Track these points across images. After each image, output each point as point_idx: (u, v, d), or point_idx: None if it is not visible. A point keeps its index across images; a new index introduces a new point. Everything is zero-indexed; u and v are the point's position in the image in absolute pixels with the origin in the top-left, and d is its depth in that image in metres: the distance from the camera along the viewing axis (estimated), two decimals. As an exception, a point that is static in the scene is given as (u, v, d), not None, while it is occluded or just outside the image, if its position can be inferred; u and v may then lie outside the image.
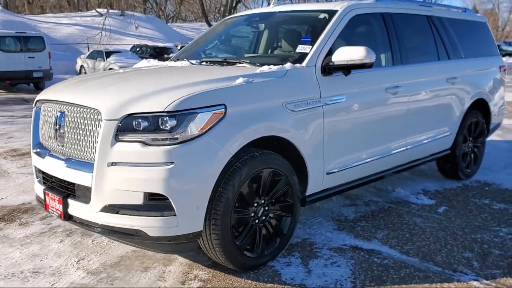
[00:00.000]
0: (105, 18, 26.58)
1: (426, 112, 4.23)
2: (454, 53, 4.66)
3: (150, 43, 24.35)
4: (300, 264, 3.10)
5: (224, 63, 3.59)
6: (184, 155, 2.54)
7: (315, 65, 3.26)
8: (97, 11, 32.03)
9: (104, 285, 2.83)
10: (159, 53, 20.52)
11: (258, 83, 2.93)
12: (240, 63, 3.49)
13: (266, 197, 2.98)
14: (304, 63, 3.24)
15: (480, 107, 5.09)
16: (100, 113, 2.63)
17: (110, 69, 17.18)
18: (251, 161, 2.82)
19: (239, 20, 4.41)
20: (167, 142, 2.54)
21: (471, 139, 5.01)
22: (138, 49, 23.00)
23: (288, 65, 3.18)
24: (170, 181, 2.52)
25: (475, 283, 2.86)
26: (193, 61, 3.77)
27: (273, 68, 3.13)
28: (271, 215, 3.05)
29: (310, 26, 3.74)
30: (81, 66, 20.86)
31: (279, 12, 4.12)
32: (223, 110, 2.67)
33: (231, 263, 2.85)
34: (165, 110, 2.53)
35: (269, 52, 4.03)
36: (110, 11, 32.30)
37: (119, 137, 2.58)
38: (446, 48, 4.56)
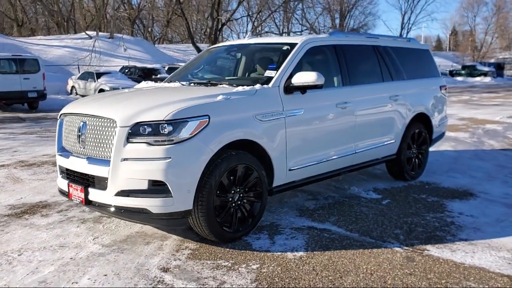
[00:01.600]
0: (95, 41, 27.57)
1: (372, 123, 5.22)
2: (397, 75, 5.69)
3: (138, 65, 25.33)
4: (267, 238, 4.02)
5: (209, 84, 4.56)
6: (178, 152, 3.48)
7: (279, 86, 4.24)
8: (86, 34, 33.01)
9: (116, 253, 3.71)
10: (148, 74, 21.47)
11: (234, 99, 3.89)
12: (221, 84, 4.46)
13: (240, 186, 3.91)
14: (270, 85, 4.22)
15: (422, 120, 6.12)
16: (116, 122, 3.56)
17: (101, 89, 18.08)
18: (229, 158, 3.76)
19: (221, 49, 5.41)
20: (166, 142, 3.47)
21: (415, 146, 6.02)
22: (127, 70, 23.93)
23: (258, 86, 4.15)
24: (168, 171, 3.44)
25: (397, 249, 3.80)
26: (183, 83, 4.74)
27: (246, 88, 4.10)
28: (245, 200, 3.97)
29: (276, 55, 4.73)
30: (72, 87, 21.71)
31: (253, 44, 5.13)
32: (207, 119, 3.62)
33: (213, 235, 3.77)
34: (164, 119, 3.47)
35: (245, 76, 5.02)
36: (100, 33, 33.31)
37: (130, 139, 3.51)
38: (389, 71, 5.59)
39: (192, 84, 4.67)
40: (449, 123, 11.87)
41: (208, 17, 37.65)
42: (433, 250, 3.77)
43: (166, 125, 3.47)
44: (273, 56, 4.83)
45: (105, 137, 3.65)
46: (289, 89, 4.28)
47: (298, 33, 49.37)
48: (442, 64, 60.22)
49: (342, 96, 4.84)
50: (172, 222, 3.67)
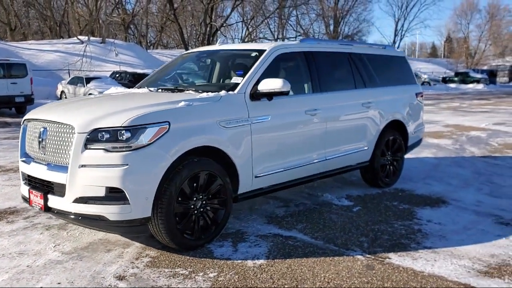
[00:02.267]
0: (86, 45, 27.53)
1: (343, 130, 5.21)
2: (371, 82, 5.69)
3: (129, 70, 25.32)
4: (231, 246, 3.99)
5: (176, 90, 4.55)
6: (136, 159, 3.45)
7: (244, 92, 4.22)
8: (78, 39, 32.98)
9: (75, 260, 3.67)
10: (138, 79, 21.42)
11: (196, 105, 3.87)
12: (187, 90, 4.44)
13: (203, 193, 3.88)
14: (236, 91, 4.21)
15: (397, 127, 6.12)
16: (74, 128, 3.52)
17: (90, 94, 18.03)
18: (190, 165, 3.73)
19: (192, 56, 5.39)
20: (124, 149, 3.44)
21: (389, 153, 6.01)
22: (117, 75, 23.91)
23: (223, 92, 4.14)
24: (125, 178, 3.41)
25: (359, 257, 3.78)
26: (152, 89, 4.72)
27: (211, 94, 4.09)
28: (208, 207, 3.94)
29: (244, 61, 4.72)
30: (62, 92, 21.65)
31: (222, 50, 5.12)
32: (167, 126, 3.59)
33: (174, 243, 3.73)
34: (122, 125, 3.44)
35: (215, 82, 5.01)
36: (92, 38, 33.30)
37: (88, 146, 3.47)
38: (362, 78, 5.59)
39: (160, 90, 4.65)
40: (434, 130, 11.96)
41: (202, 23, 37.69)
42: (395, 258, 3.75)
43: (124, 131, 3.45)
44: (242, 62, 4.82)
45: (64, 143, 3.62)
46: (256, 95, 4.26)
47: (292, 39, 49.52)
48: (435, 71, 60.57)
49: (312, 103, 4.83)
50: (130, 230, 3.63)
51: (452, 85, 45.98)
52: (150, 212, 3.56)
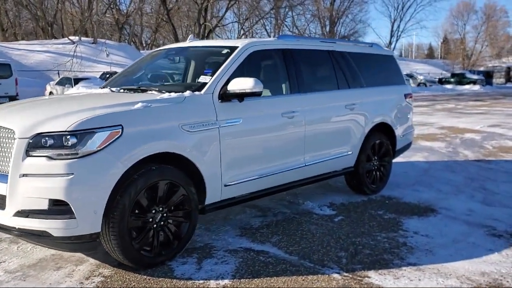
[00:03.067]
0: (77, 46, 27.11)
1: (325, 134, 4.84)
2: (355, 83, 5.32)
3: (120, 70, 24.90)
4: (195, 263, 3.61)
5: (139, 91, 4.17)
6: (83, 168, 3.06)
7: (212, 93, 3.85)
8: (69, 39, 32.55)
9: (17, 281, 3.28)
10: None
11: (155, 107, 3.49)
12: (150, 90, 4.06)
13: (163, 205, 3.50)
14: (203, 91, 3.83)
15: (384, 130, 5.75)
16: (14, 132, 3.14)
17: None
18: (148, 173, 3.35)
19: (162, 53, 5.00)
20: (69, 156, 3.06)
21: (376, 158, 5.64)
22: (108, 76, 23.51)
23: (187, 93, 3.76)
24: (70, 189, 3.03)
25: (335, 275, 3.41)
26: (114, 89, 4.33)
27: (173, 95, 3.71)
28: (170, 221, 3.56)
29: (215, 59, 4.35)
30: (50, 93, 21.24)
31: (192, 47, 4.75)
32: (120, 130, 3.21)
33: (129, 261, 3.35)
34: (67, 130, 3.06)
35: (186, 81, 4.63)
36: (83, 38, 32.88)
37: (30, 152, 3.09)
38: (346, 78, 5.22)
39: (122, 91, 4.27)
40: (427, 132, 11.60)
41: (196, 23, 37.31)
42: (375, 277, 3.38)
43: (69, 136, 3.07)
44: (212, 60, 4.45)
45: (4, 149, 3.23)
46: (226, 96, 3.89)
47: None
48: (431, 72, 60.38)
49: (289, 105, 4.45)
50: (78, 247, 3.25)
51: (449, 86, 45.70)
52: (99, 227, 3.17)
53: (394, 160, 6.47)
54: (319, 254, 3.79)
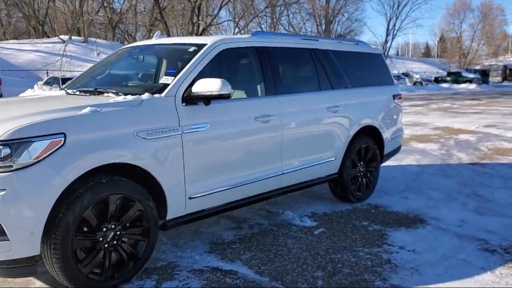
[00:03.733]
0: (66, 45, 26.65)
1: (305, 139, 4.46)
2: (339, 83, 4.94)
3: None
4: (153, 286, 3.22)
5: (95, 93, 3.78)
6: (17, 183, 2.68)
7: (175, 95, 3.46)
8: (59, 38, 32.07)
9: None
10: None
11: (105, 112, 3.10)
12: (107, 92, 3.67)
13: (116, 222, 3.12)
14: (163, 94, 3.45)
15: (371, 134, 5.38)
16: None
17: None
18: (96, 187, 2.97)
19: (126, 52, 4.60)
20: (1, 169, 2.67)
21: (362, 163, 5.27)
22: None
23: (145, 95, 3.38)
24: (2, 207, 2.65)
25: (308, 300, 3.03)
26: (70, 91, 3.95)
27: (129, 98, 3.33)
28: (124, 239, 3.18)
29: (181, 58, 3.96)
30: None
31: (158, 45, 4.36)
32: (62, 138, 2.83)
33: (75, 286, 2.96)
34: (-1, 139, 2.67)
35: (149, 81, 4.24)
36: (74, 37, 32.41)
37: (-43, 165, 2.70)
38: (329, 78, 4.84)
39: (78, 93, 3.88)
40: (421, 133, 11.24)
41: (189, 22, 36.88)
42: (353, 303, 3.01)
43: (1, 146, 2.68)
44: (177, 59, 4.06)
45: None
46: (191, 99, 3.51)
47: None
48: (428, 70, 60.15)
49: (264, 108, 4.08)
50: (14, 271, 2.85)
51: (445, 85, 45.40)
52: (39, 250, 2.79)
53: (384, 164, 6.12)
54: (294, 274, 3.41)
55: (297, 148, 4.39)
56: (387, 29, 58.89)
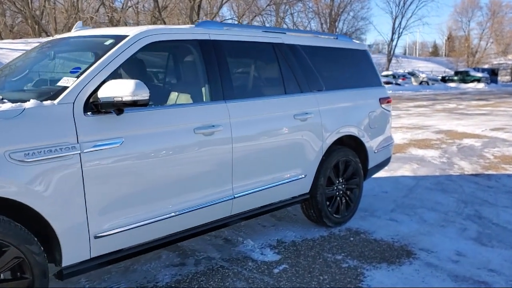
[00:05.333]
0: (60, 44, 25.82)
1: (264, 154, 3.62)
2: (310, 85, 4.09)
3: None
4: None
5: (-17, 100, 2.95)
6: None
7: (73, 102, 2.63)
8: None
9: None
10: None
11: (-38, 128, 2.28)
12: (-6, 99, 2.84)
13: (-19, 274, 2.30)
14: (57, 100, 2.61)
15: (351, 144, 4.53)
16: None
17: None
18: None
19: (39, 48, 3.75)
20: None
21: (341, 180, 4.41)
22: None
23: (30, 103, 2.54)
24: None
25: None
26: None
27: (5, 106, 2.49)
28: (-4, 296, 2.37)
29: (93, 54, 3.13)
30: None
31: (75, 38, 3.52)
32: None
33: None
34: None
35: (52, 83, 3.39)
36: (70, 36, 31.54)
37: None
38: (297, 80, 3.99)
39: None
40: (421, 137, 10.34)
41: (189, 21, 36.02)
42: None
43: None
44: (89, 55, 3.22)
45: None
46: (97, 107, 2.68)
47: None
48: (435, 69, 59.02)
49: (208, 117, 3.24)
50: None
51: (452, 85, 44.25)
52: None
53: (376, 175, 5.29)
54: None
55: (253, 165, 3.55)
56: (393, 28, 57.61)
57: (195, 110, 3.20)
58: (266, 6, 40.49)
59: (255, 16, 41.14)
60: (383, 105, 4.89)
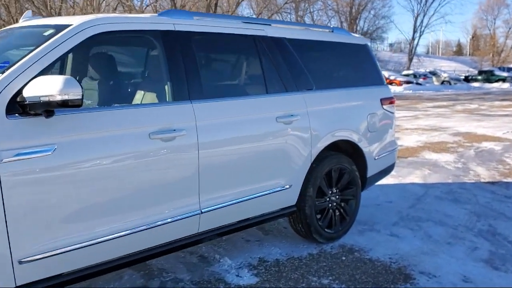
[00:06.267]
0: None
1: (237, 162, 3.16)
2: (297, 84, 3.61)
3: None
4: None
5: None
6: None
7: (-7, 102, 2.22)
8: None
9: None
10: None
11: None
12: None
13: None
14: (-29, 101, 2.21)
15: (349, 151, 4.04)
16: None
17: None
18: None
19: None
20: None
21: (334, 191, 3.92)
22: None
23: None
24: None
25: None
26: None
27: None
28: None
29: (31, 46, 2.70)
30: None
31: (19, 28, 3.11)
32: None
33: None
34: None
35: None
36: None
37: None
38: (281, 77, 3.52)
39: None
40: (437, 140, 9.71)
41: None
42: None
43: None
44: (27, 47, 2.80)
45: None
46: (24, 107, 2.26)
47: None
48: (458, 69, 57.58)
49: (168, 119, 2.79)
50: None
51: (475, 84, 42.92)
52: None
53: (382, 182, 4.81)
54: None
55: (225, 176, 3.09)
56: (414, 26, 56.28)
57: (150, 111, 2.75)
58: (284, 4, 39.88)
59: (272, 14, 40.57)
60: (385, 106, 4.37)
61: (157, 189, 2.75)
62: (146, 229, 2.71)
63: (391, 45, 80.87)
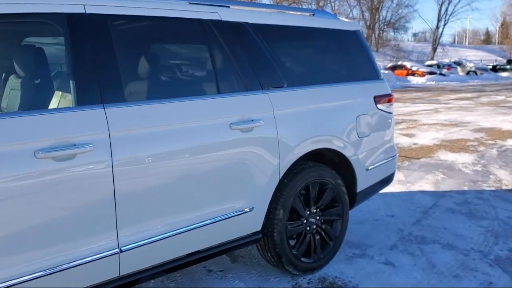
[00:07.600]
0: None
1: (171, 183, 2.46)
2: (261, 81, 2.89)
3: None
4: None
5: None
6: None
7: None
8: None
9: None
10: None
11: None
12: None
13: None
14: None
15: (332, 161, 3.31)
16: None
17: None
18: None
19: None
20: None
21: (315, 211, 3.20)
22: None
23: None
24: None
25: None
26: None
27: None
28: None
29: None
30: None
31: None
32: None
33: None
34: None
35: None
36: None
37: None
38: (239, 73, 2.80)
39: None
40: (456, 137, 8.82)
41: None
42: None
43: None
44: None
45: None
46: None
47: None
48: (485, 58, 55.39)
49: (65, 131, 2.11)
50: None
51: (504, 74, 41.07)
52: None
53: (386, 190, 4.17)
54: None
55: (154, 202, 2.40)
56: (439, 14, 54.33)
57: (38, 121, 2.06)
58: (302, -5, 38.92)
59: (291, 4, 39.57)
60: (380, 105, 3.60)
61: (51, 223, 2.08)
62: (51, 273, 2.04)
63: (414, 35, 78.70)
